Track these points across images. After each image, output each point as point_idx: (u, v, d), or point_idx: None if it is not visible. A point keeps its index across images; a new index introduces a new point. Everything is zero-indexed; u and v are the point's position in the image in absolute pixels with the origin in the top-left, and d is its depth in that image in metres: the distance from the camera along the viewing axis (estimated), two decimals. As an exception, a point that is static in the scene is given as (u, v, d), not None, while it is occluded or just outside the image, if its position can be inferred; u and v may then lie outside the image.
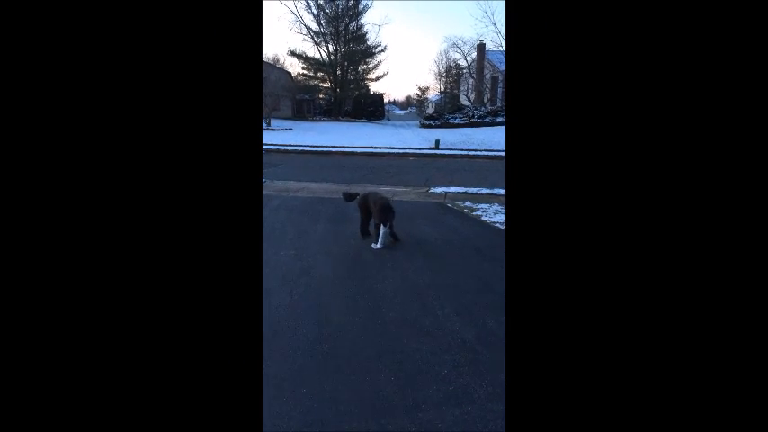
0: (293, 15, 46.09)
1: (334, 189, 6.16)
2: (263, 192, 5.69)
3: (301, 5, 43.59)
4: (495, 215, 4.69)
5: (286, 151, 11.82)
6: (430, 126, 22.06)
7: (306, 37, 33.64)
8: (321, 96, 33.61)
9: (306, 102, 31.27)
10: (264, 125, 22.13)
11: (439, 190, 6.15)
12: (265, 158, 10.46)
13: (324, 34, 31.06)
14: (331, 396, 1.70)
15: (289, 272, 3.01)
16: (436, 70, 37.38)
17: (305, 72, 32.14)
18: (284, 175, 7.46)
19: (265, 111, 23.64)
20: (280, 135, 16.92)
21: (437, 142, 13.03)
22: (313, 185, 6.50)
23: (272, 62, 29.65)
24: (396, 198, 5.61)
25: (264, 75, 26.61)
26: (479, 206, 5.11)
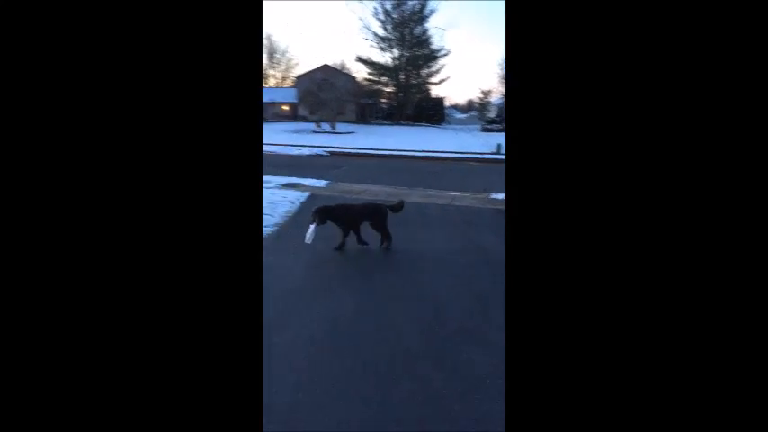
0: (360, 22, 47.64)
1: (395, 192, 6.27)
2: (329, 193, 5.96)
3: (369, 12, 44.90)
4: (562, 225, 4.48)
5: (349, 154, 12.23)
6: (491, 130, 21.48)
7: (372, 43, 34.59)
8: (383, 100, 34.24)
9: (368, 106, 32.04)
10: (330, 129, 23.05)
11: (500, 196, 6.00)
12: (329, 161, 10.92)
13: (389, 39, 31.67)
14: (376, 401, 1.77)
15: (343, 273, 3.14)
16: (500, 73, 36.17)
17: (370, 77, 32.98)
18: (347, 177, 7.73)
19: (331, 115, 24.66)
20: (343, 138, 17.54)
21: (499, 147, 12.66)
22: (374, 188, 6.66)
23: (338, 68, 30.80)
24: (454, 203, 5.58)
25: (331, 80, 27.78)
26: (544, 215, 4.90)
